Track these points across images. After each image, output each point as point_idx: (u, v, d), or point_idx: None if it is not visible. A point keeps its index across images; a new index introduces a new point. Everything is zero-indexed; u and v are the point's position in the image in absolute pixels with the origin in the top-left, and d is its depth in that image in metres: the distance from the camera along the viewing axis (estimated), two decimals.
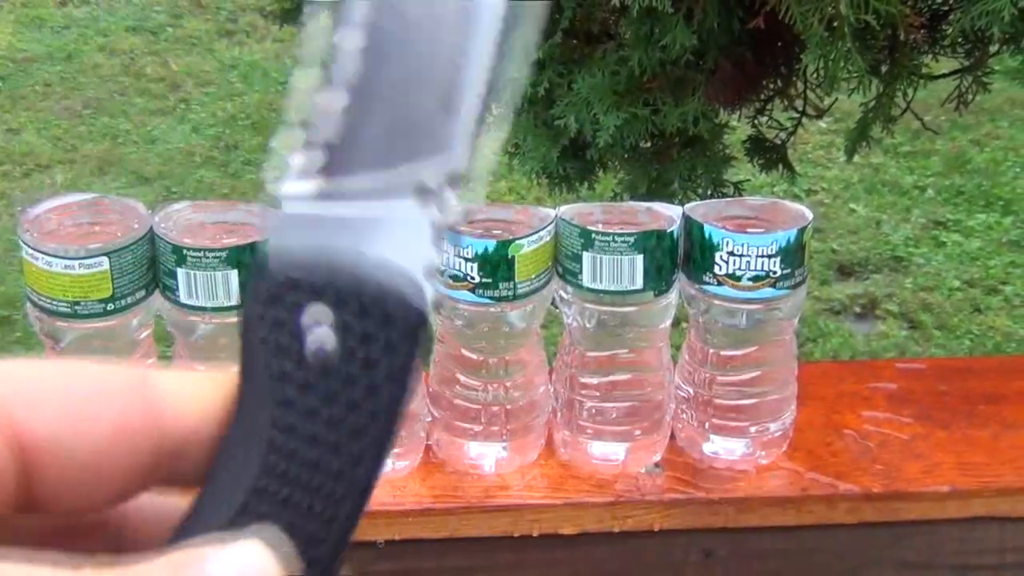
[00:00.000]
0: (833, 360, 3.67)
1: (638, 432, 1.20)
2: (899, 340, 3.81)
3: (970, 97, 2.07)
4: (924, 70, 2.00)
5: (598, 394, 1.19)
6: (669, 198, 2.05)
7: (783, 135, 2.22)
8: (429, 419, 1.21)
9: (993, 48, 1.96)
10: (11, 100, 5.06)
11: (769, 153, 2.22)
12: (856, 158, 2.29)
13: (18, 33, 5.60)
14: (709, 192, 2.07)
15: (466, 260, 1.12)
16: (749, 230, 1.16)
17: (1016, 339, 3.80)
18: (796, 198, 4.33)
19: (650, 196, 2.06)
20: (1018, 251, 4.23)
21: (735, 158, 2.11)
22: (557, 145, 2.04)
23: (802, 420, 1.25)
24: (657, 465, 1.21)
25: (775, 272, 1.13)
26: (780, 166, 2.23)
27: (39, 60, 5.38)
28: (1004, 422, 1.27)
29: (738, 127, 2.22)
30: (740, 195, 2.13)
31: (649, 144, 2.04)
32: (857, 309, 3.97)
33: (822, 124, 4.32)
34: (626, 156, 2.06)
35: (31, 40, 5.54)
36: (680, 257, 1.16)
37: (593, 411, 1.20)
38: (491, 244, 1.12)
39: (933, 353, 3.72)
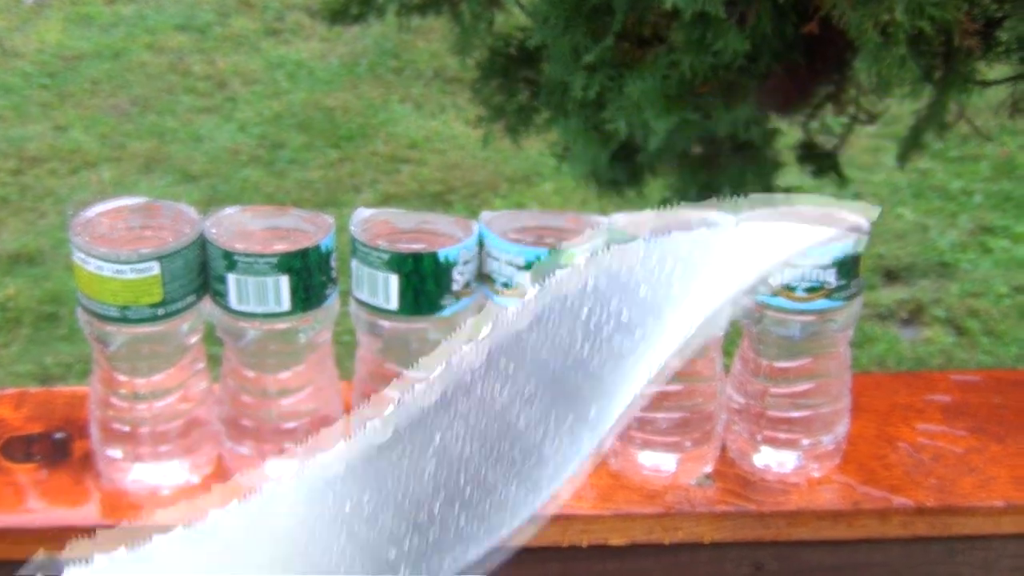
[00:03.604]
0: (882, 369, 3.65)
1: (688, 443, 1.19)
2: (946, 347, 3.78)
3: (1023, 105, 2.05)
4: (978, 76, 1.97)
5: (649, 404, 1.18)
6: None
7: (834, 141, 2.20)
8: None
9: None
10: (59, 97, 5.08)
11: (820, 159, 2.21)
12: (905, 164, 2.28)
13: (67, 31, 5.62)
14: None
15: (517, 268, 1.11)
16: None
17: None
18: (850, 183, 4.30)
19: (700, 202, 2.04)
20: None
21: (785, 164, 2.10)
22: (607, 149, 2.03)
23: (855, 432, 1.23)
24: (708, 477, 1.20)
25: (830, 283, 1.12)
26: (831, 172, 2.21)
27: (87, 58, 5.40)
28: None
29: (788, 132, 2.20)
30: (791, 200, 2.11)
31: (699, 149, 2.02)
32: (904, 315, 3.95)
33: (870, 128, 4.28)
34: (676, 161, 2.04)
35: (79, 38, 5.56)
36: None
37: (644, 421, 1.18)
38: (543, 252, 1.11)
39: (980, 360, 3.69)
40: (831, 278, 1.12)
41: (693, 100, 1.89)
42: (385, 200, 4.45)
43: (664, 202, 2.05)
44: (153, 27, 5.65)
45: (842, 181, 2.24)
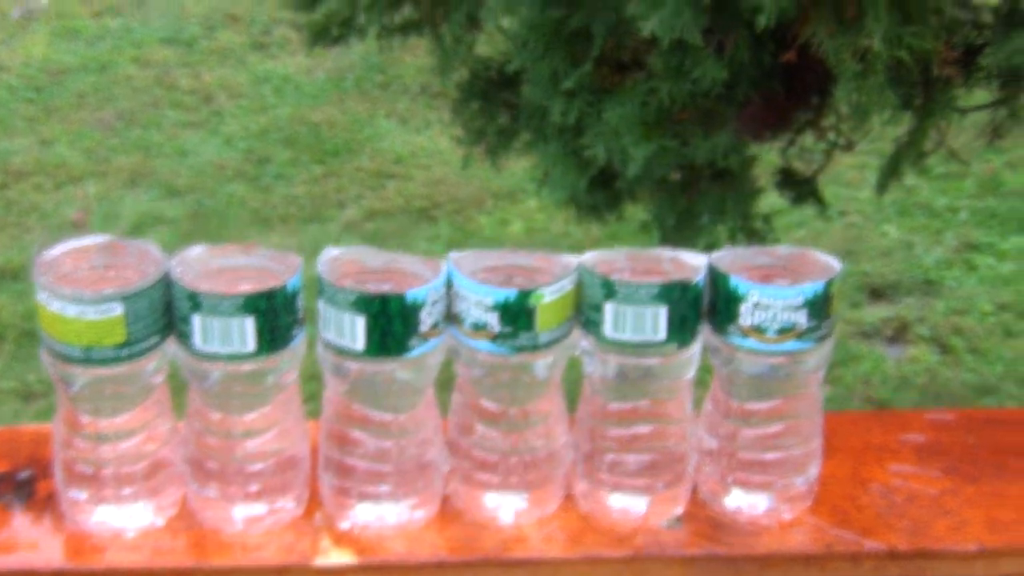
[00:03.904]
0: (867, 388, 3.64)
1: (659, 485, 1.17)
2: (930, 365, 3.77)
3: (1004, 131, 2.04)
4: (958, 103, 1.96)
5: (619, 446, 1.17)
6: (698, 231, 2.02)
7: (813, 167, 2.18)
8: (447, 469, 1.18)
9: None
10: (45, 111, 5.06)
11: (799, 186, 2.19)
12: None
13: (53, 44, 5.60)
14: (739, 224, 2.04)
15: (486, 309, 1.10)
16: (776, 280, 1.13)
17: None
18: (828, 220, 4.30)
19: (679, 228, 2.03)
20: None
21: (764, 190, 2.08)
22: (585, 175, 2.01)
23: (827, 472, 1.22)
24: (678, 519, 1.19)
25: (801, 324, 1.11)
26: (811, 199, 2.20)
27: (73, 71, 5.38)
28: None
29: (768, 157, 2.19)
30: (770, 226, 2.10)
31: (678, 176, 2.01)
32: (888, 332, 3.94)
33: (858, 134, 4.28)
34: (655, 188, 2.03)
35: (65, 51, 5.54)
36: (704, 307, 1.13)
37: (613, 463, 1.17)
38: (512, 293, 1.09)
39: (965, 379, 3.68)
40: (802, 319, 1.11)
41: (671, 127, 1.88)
42: (370, 215, 4.44)
43: (643, 227, 2.05)
44: (139, 41, 5.63)
45: (822, 207, 2.22)
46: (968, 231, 4.43)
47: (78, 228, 4.27)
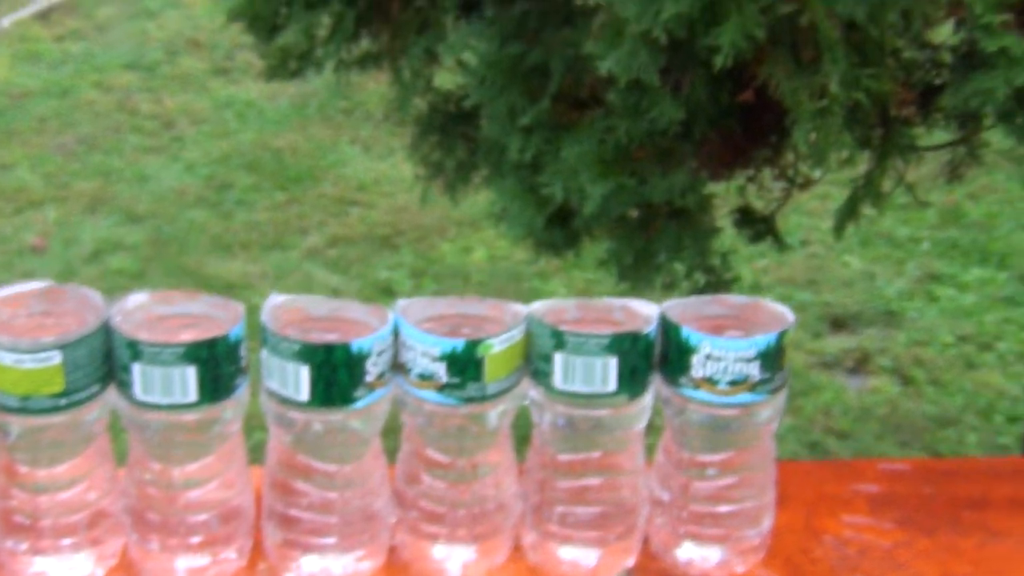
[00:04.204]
0: (828, 419, 3.63)
1: (610, 537, 1.16)
2: (891, 396, 3.76)
3: (963, 170, 2.03)
4: (917, 140, 1.95)
5: (569, 497, 1.15)
6: (655, 269, 2.01)
7: (772, 206, 2.17)
8: (394, 519, 1.16)
9: (988, 122, 1.92)
10: (5, 135, 5.02)
11: (757, 224, 2.18)
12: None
13: (15, 68, 5.56)
14: (696, 261, 2.02)
15: (433, 359, 1.08)
16: (728, 332, 1.12)
17: (1009, 396, 3.75)
18: (789, 250, 4.30)
19: (636, 266, 2.01)
20: (1012, 307, 4.19)
21: (721, 229, 2.07)
22: (543, 212, 2.00)
23: (781, 523, 1.20)
24: (629, 572, 1.17)
25: (754, 377, 1.09)
26: (768, 237, 2.19)
27: (34, 95, 5.34)
28: (990, 530, 1.23)
29: (726, 196, 2.18)
30: (727, 264, 2.09)
31: (636, 214, 1.99)
32: (849, 363, 3.93)
33: (817, 173, 4.28)
34: (612, 225, 2.01)
35: (27, 75, 5.51)
36: (656, 358, 1.11)
37: (563, 515, 1.15)
38: (460, 344, 1.07)
39: (925, 410, 3.68)
40: (755, 371, 1.09)
41: (629, 165, 1.86)
42: (333, 242, 4.41)
43: (601, 265, 2.03)
44: (101, 65, 5.60)
45: (779, 247, 2.21)
46: (930, 262, 4.44)
47: (38, 253, 4.23)
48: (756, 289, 4.21)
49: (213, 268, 4.19)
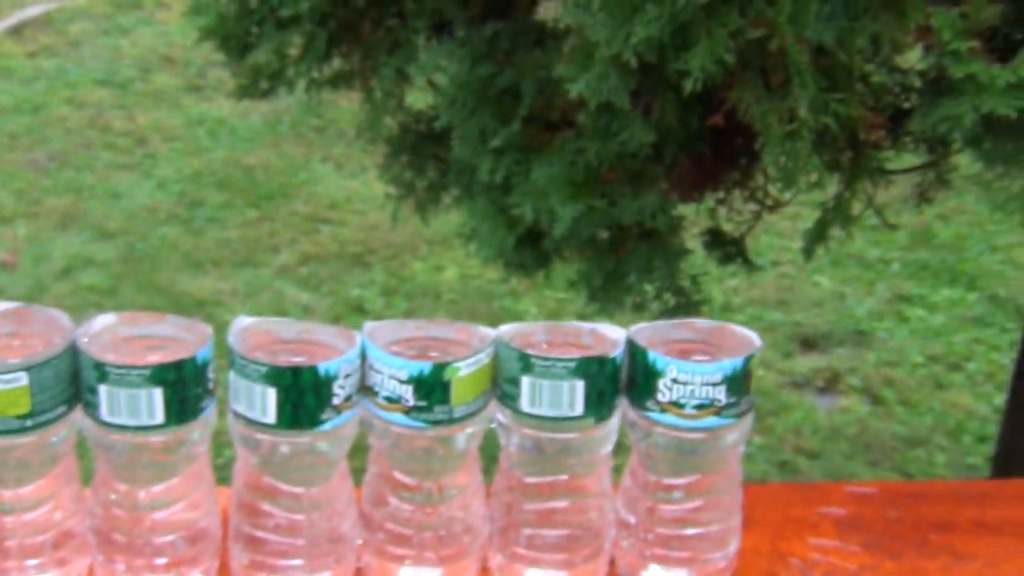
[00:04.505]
0: (798, 438, 3.64)
1: (577, 560, 1.16)
2: (861, 416, 3.77)
3: (931, 193, 2.04)
4: (886, 164, 1.96)
5: (536, 520, 1.15)
6: (625, 290, 2.01)
7: (742, 228, 2.18)
8: (360, 541, 1.16)
9: (956, 147, 1.93)
10: None
11: (727, 246, 2.19)
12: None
13: None
14: (666, 283, 2.03)
15: (400, 382, 1.08)
16: (695, 356, 1.12)
17: (978, 416, 3.77)
18: (760, 270, 4.31)
19: (606, 287, 2.02)
20: (982, 327, 4.21)
21: (691, 251, 2.08)
22: (513, 233, 2.00)
23: (747, 546, 1.20)
24: None
25: (720, 401, 1.09)
26: (738, 259, 2.19)
27: (6, 111, 5.33)
28: (955, 553, 1.23)
29: (696, 218, 2.19)
30: (697, 286, 2.09)
31: (606, 235, 2.00)
32: (820, 383, 3.95)
33: (787, 195, 4.30)
34: (582, 247, 2.02)
35: None
36: (623, 382, 1.12)
37: (530, 537, 1.15)
38: (427, 367, 1.07)
39: (895, 431, 3.69)
40: (721, 395, 1.09)
41: (599, 187, 1.87)
42: (304, 260, 4.41)
43: (571, 286, 2.03)
44: (74, 82, 5.59)
45: (749, 269, 2.22)
46: (900, 283, 4.46)
47: (7, 269, 4.22)
48: (727, 309, 4.22)
49: (184, 285, 4.19)
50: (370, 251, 4.49)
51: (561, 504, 1.15)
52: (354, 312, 4.05)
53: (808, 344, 4.14)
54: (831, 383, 3.94)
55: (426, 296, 4.25)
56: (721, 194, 2.12)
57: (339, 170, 5.05)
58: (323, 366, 1.06)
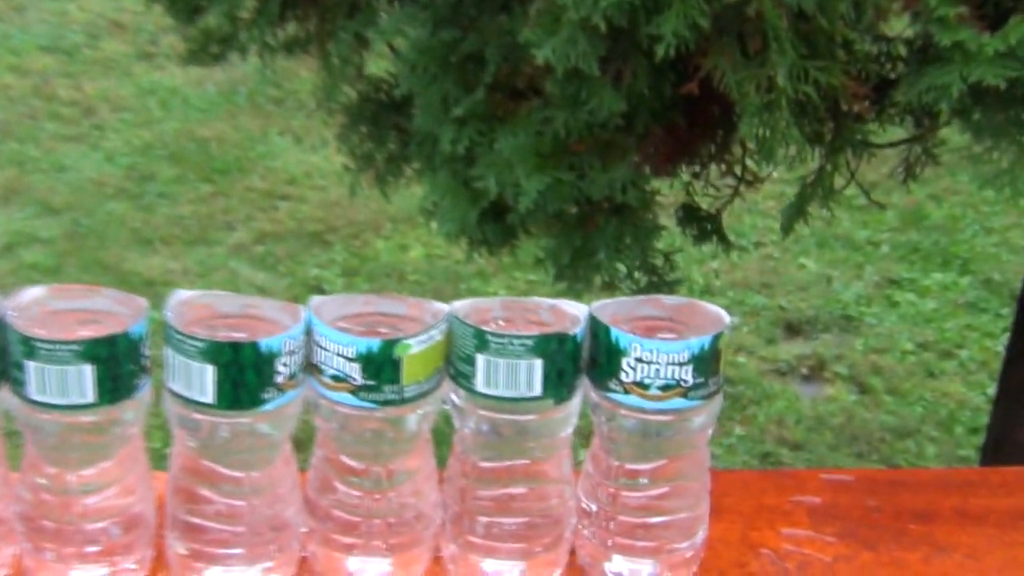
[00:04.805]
0: (781, 428, 3.64)
1: (535, 549, 1.15)
2: (847, 404, 3.79)
3: (918, 170, 2.04)
4: (870, 137, 1.96)
5: (492, 507, 1.14)
6: (594, 268, 2.01)
7: (718, 204, 2.18)
8: (305, 530, 1.16)
9: (943, 118, 1.93)
10: None
11: (702, 222, 2.19)
12: (809, 210, 2.25)
13: None
14: (638, 261, 2.02)
15: (348, 360, 1.07)
16: (660, 335, 1.12)
17: (971, 407, 3.79)
18: (743, 251, 4.31)
19: (574, 265, 2.01)
20: (975, 313, 4.22)
21: (665, 228, 2.07)
22: (476, 207, 1.99)
23: (715, 536, 1.20)
24: None
25: (686, 381, 1.09)
26: (713, 237, 2.19)
27: None
28: (936, 544, 1.23)
29: (670, 193, 2.18)
30: (671, 264, 2.09)
31: (574, 210, 2.00)
32: (804, 371, 3.96)
33: (774, 174, 4.30)
34: (549, 222, 2.01)
35: None
36: (584, 360, 1.11)
37: (486, 525, 1.15)
38: (375, 344, 1.07)
39: (883, 421, 3.70)
40: (688, 376, 1.09)
41: (567, 159, 1.86)
42: (260, 238, 4.40)
43: (538, 263, 2.02)
44: (17, 48, 5.56)
45: (726, 247, 2.22)
46: (889, 265, 4.47)
47: None
48: (707, 292, 4.23)
49: (133, 264, 4.17)
50: (330, 229, 4.49)
51: (518, 490, 1.15)
52: (312, 293, 4.04)
53: (792, 329, 4.15)
54: (816, 371, 3.96)
55: (389, 277, 4.24)
56: (696, 167, 2.12)
57: (298, 143, 5.04)
58: (265, 342, 1.05)
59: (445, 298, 1.12)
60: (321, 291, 4.07)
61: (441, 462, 1.17)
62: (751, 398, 3.77)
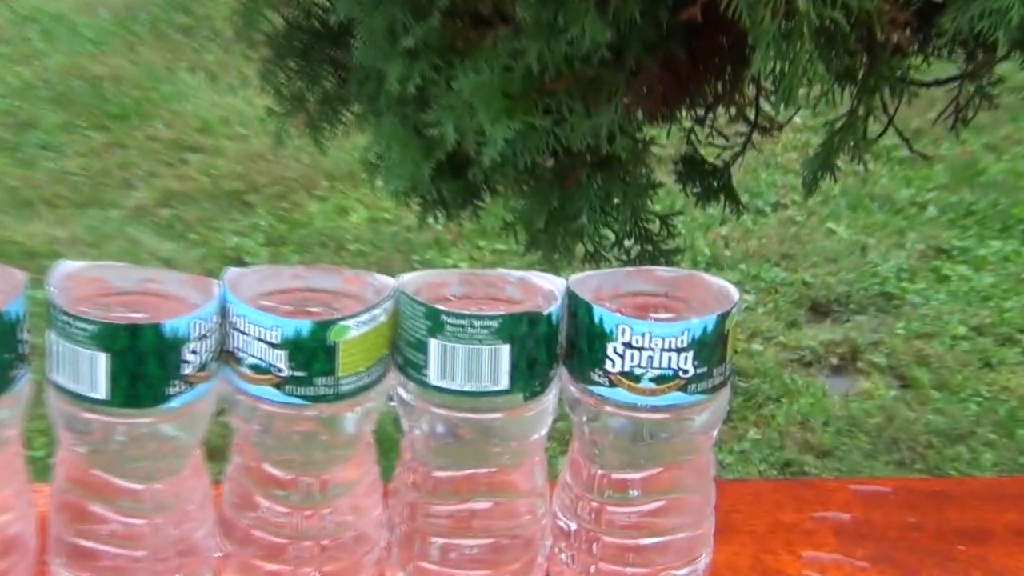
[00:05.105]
0: (804, 431, 3.66)
1: None
2: (886, 402, 3.81)
3: (970, 114, 2.05)
4: (913, 73, 1.97)
5: (449, 526, 1.15)
6: (575, 234, 2.02)
7: (727, 156, 2.19)
8: (219, 554, 1.16)
9: (1001, 52, 1.94)
10: None
11: (707, 177, 2.20)
12: (839, 162, 2.26)
13: None
14: (628, 226, 2.03)
15: (271, 346, 1.08)
16: (654, 314, 1.12)
17: None
18: (759, 214, 4.33)
19: (550, 230, 2.02)
20: None
21: (662, 184, 2.08)
22: (431, 159, 2.00)
23: (721, 561, 1.22)
24: None
25: (686, 371, 1.10)
26: (721, 196, 2.20)
27: None
28: (989, 569, 1.24)
29: (668, 143, 2.19)
30: (669, 231, 2.10)
31: (550, 163, 2.00)
32: (834, 360, 3.97)
33: (796, 119, 4.31)
34: (520, 178, 2.02)
35: None
36: (561, 347, 1.12)
37: (442, 549, 1.16)
38: (305, 326, 1.07)
39: (929, 421, 3.72)
40: (687, 364, 1.10)
41: (542, 100, 1.87)
42: (166, 199, 4.41)
43: (506, 228, 2.03)
44: None
45: (736, 208, 2.23)
46: (937, 232, 4.49)
47: None
48: (714, 265, 4.24)
49: (10, 231, 4.17)
50: (252, 188, 4.49)
51: (481, 505, 1.15)
52: (231, 266, 4.05)
53: (819, 310, 4.16)
54: (848, 361, 3.98)
55: (325, 247, 4.25)
56: (700, 111, 2.12)
57: (213, 83, 5.04)
58: (170, 324, 1.06)
59: (393, 272, 1.13)
60: (242, 264, 4.07)
61: (387, 472, 1.18)
62: (769, 394, 3.79)
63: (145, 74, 5.04)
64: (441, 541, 1.16)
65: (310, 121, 2.32)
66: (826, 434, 3.65)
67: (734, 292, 1.14)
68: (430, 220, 2.23)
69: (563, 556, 1.19)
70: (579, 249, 2.08)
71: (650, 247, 2.10)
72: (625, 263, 2.09)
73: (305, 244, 4.23)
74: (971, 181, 4.70)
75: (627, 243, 2.10)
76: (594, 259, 2.09)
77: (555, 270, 1.71)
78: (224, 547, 1.16)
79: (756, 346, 3.91)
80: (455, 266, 4.04)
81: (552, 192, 2.01)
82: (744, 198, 2.28)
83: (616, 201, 2.00)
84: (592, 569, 1.17)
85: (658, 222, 2.11)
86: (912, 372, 3.91)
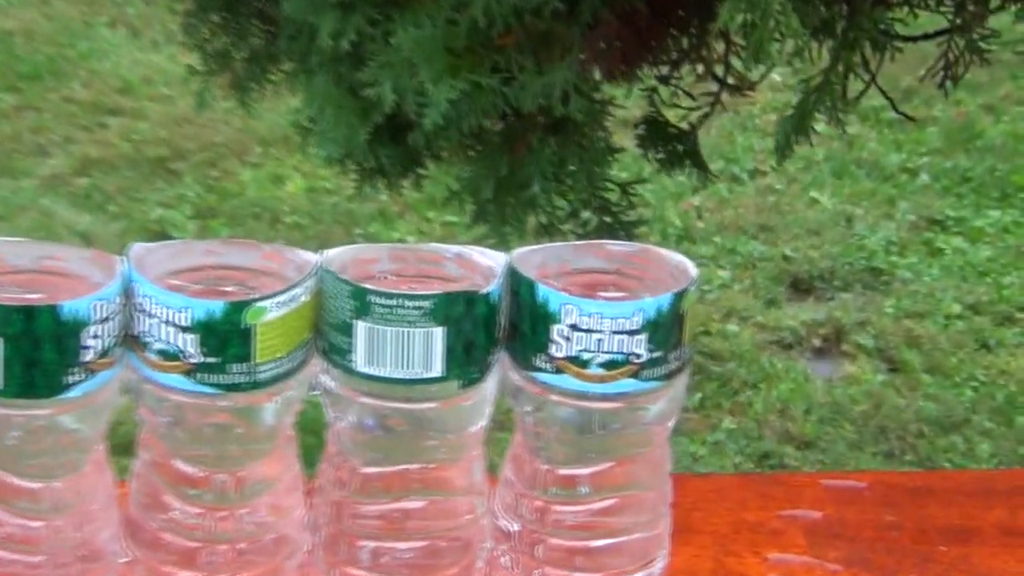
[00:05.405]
0: (783, 420, 3.67)
1: None
2: (873, 387, 3.82)
3: (960, 70, 2.06)
4: (896, 26, 1.98)
5: (379, 528, 1.15)
6: (526, 203, 2.02)
7: (694, 118, 2.19)
8: (125, 559, 1.16)
9: (994, 2, 1.95)
10: None
11: (671, 142, 2.20)
12: (821, 127, 2.25)
13: None
14: (585, 195, 2.03)
15: (181, 329, 1.07)
16: (603, 292, 1.12)
17: None
18: (735, 182, 4.33)
19: (499, 200, 2.02)
20: None
21: (623, 150, 2.08)
22: (367, 123, 2.00)
23: (679, 564, 1.22)
24: None
25: (639, 356, 1.09)
26: (686, 162, 2.20)
27: None
28: (973, 571, 1.25)
29: (629, 105, 2.19)
30: (630, 201, 2.10)
31: (499, 127, 2.00)
32: (816, 342, 3.99)
33: (776, 77, 4.31)
34: (465, 142, 2.02)
35: None
36: (502, 330, 1.12)
37: (372, 552, 1.15)
38: (218, 307, 1.06)
39: (921, 408, 3.73)
40: (641, 348, 1.09)
41: (489, 57, 1.87)
42: (82, 166, 4.39)
43: (452, 198, 2.03)
44: None
45: (703, 176, 2.23)
46: (929, 201, 4.51)
47: None
48: (684, 238, 4.25)
49: None
50: (178, 154, 4.48)
51: (415, 505, 1.15)
52: (154, 241, 4.04)
53: (800, 287, 4.18)
54: (833, 342, 3.99)
55: (259, 219, 4.25)
56: (663, 69, 2.12)
57: (135, 38, 5.03)
58: (68, 306, 1.05)
59: (333, 246, 1.12)
60: (167, 238, 4.06)
61: (310, 467, 1.18)
62: (745, 380, 3.80)
63: (60, 29, 5.03)
64: (371, 544, 1.16)
65: (236, 81, 2.31)
66: (808, 423, 3.67)
67: (692, 268, 1.13)
68: (368, 190, 2.22)
69: (504, 559, 1.19)
70: (531, 221, 2.08)
71: (609, 219, 2.10)
72: (582, 236, 2.08)
73: (237, 216, 4.23)
74: (967, 145, 4.71)
75: (584, 214, 2.09)
76: (548, 232, 2.09)
77: (505, 244, 1.71)
78: (130, 551, 1.16)
79: (731, 327, 3.92)
80: (402, 240, 4.04)
81: (501, 158, 2.02)
82: (719, 164, 2.29)
83: (571, 168, 2.00)
84: (536, 573, 1.17)
85: (618, 191, 2.11)
86: (902, 355, 3.92)
